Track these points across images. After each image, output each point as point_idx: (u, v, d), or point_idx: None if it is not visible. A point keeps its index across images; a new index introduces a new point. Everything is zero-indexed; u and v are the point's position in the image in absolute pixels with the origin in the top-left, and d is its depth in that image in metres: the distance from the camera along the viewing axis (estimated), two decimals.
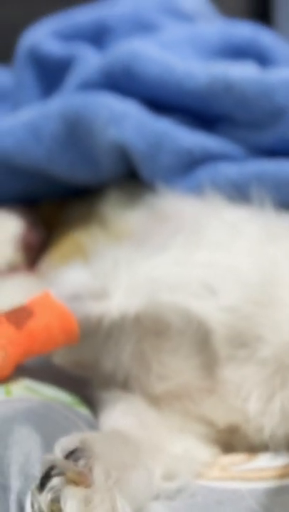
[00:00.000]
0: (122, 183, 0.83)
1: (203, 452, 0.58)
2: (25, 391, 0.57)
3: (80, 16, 1.01)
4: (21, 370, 0.60)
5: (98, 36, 0.99)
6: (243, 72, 0.78)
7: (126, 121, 0.77)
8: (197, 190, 0.75)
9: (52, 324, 0.59)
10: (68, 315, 0.60)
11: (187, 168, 0.77)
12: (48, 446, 0.49)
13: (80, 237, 0.81)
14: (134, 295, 0.59)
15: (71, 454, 0.47)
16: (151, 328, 0.59)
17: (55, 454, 0.47)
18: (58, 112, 0.82)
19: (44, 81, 1.02)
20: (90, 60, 0.95)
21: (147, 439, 0.56)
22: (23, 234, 0.87)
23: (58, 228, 0.90)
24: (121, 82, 0.83)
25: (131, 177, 0.83)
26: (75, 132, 0.81)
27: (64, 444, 0.48)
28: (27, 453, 0.47)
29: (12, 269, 0.86)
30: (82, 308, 0.60)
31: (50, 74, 1.01)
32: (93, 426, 0.58)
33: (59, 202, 0.94)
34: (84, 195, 0.91)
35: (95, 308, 0.60)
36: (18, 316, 0.59)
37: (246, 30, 0.93)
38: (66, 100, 0.83)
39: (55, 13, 1.04)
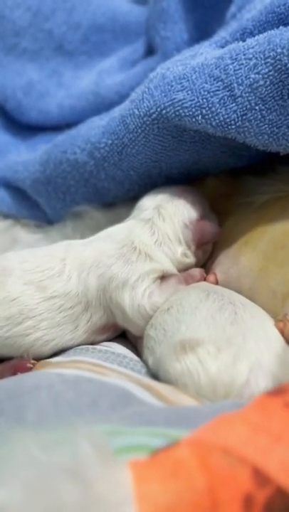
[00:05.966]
0: None
1: None
2: None
3: None
4: None
5: None
6: None
7: None
8: None
9: None
10: None
11: None
12: None
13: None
14: None
15: None
16: None
17: None
18: (263, 55, 0.58)
19: (194, 9, 0.77)
20: None
21: None
22: (198, 223, 0.63)
23: (232, 215, 0.67)
24: None
25: None
26: (287, 82, 0.57)
27: None
28: None
29: (184, 270, 0.63)
30: None
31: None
32: None
33: (225, 177, 0.71)
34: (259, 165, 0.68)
35: None
36: None
37: None
38: (269, 38, 0.58)
39: None
